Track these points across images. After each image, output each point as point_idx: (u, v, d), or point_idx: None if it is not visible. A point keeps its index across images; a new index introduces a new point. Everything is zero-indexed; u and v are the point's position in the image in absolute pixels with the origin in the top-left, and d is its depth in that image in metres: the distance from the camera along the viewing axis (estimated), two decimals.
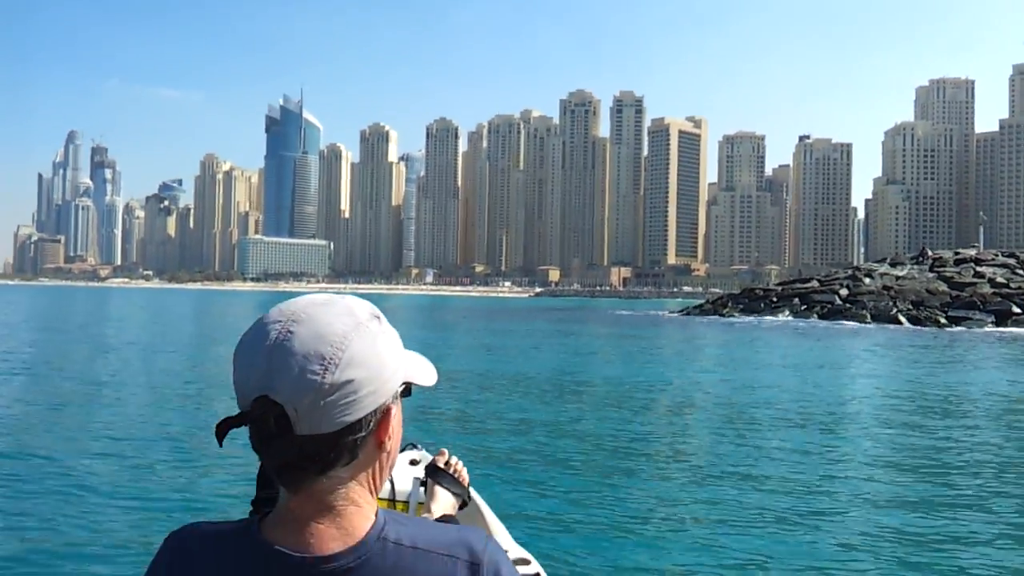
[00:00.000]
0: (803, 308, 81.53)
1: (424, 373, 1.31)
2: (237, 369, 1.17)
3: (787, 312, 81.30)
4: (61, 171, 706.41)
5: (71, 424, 15.36)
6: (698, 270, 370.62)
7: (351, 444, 1.16)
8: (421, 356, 1.33)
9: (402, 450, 3.04)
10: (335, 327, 1.16)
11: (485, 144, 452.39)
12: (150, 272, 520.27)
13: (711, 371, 29.59)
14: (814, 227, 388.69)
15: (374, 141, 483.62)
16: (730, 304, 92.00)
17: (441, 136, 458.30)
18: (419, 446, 3.09)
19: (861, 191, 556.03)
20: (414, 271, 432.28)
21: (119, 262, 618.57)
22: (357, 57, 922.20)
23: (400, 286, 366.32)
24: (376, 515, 1.19)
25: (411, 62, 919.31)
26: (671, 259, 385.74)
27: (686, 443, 14.63)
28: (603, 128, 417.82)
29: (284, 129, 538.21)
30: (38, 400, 18.27)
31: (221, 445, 1.17)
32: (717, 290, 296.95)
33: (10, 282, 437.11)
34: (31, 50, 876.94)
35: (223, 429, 1.15)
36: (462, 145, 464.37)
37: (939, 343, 46.19)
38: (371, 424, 1.18)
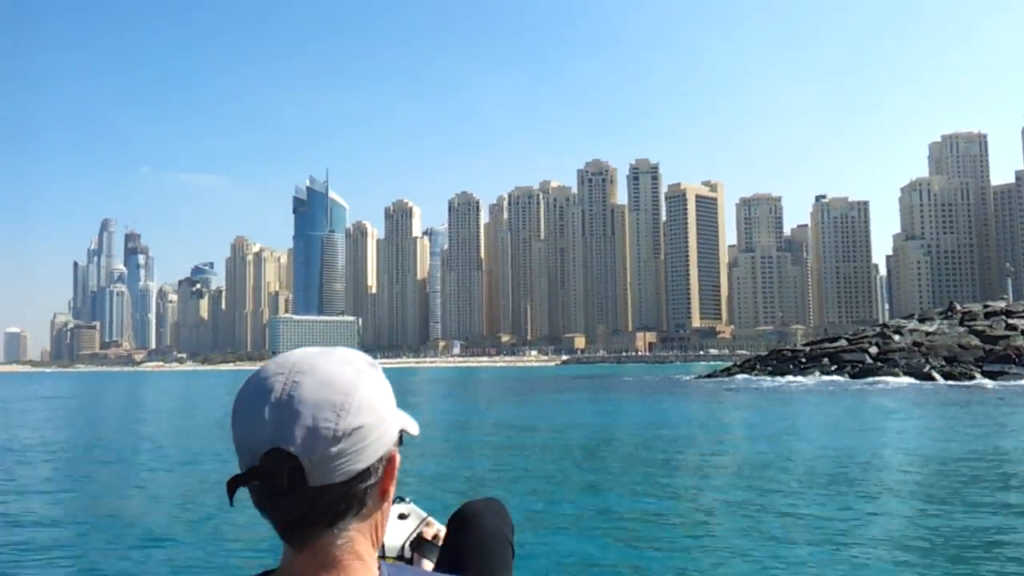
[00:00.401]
0: (833, 368, 79.88)
1: (412, 423, 1.32)
2: (239, 425, 1.17)
3: (817, 372, 79.76)
4: (96, 258, 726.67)
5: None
6: (723, 332, 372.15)
7: (361, 493, 1.18)
8: (402, 412, 1.32)
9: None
10: (341, 374, 1.19)
11: (506, 216, 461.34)
12: (184, 355, 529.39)
13: (744, 439, 28.75)
14: (837, 285, 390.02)
15: (398, 217, 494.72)
16: (758, 366, 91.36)
17: (463, 210, 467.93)
18: (408, 499, 3.04)
19: (881, 248, 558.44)
20: (441, 343, 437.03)
21: (153, 346, 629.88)
22: (379, 136, 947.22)
23: (428, 359, 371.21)
24: (380, 568, 1.21)
25: (432, 139, 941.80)
26: (696, 322, 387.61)
27: (717, 520, 13.97)
28: (621, 195, 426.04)
29: (311, 209, 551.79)
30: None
31: (232, 504, 1.17)
32: (744, 352, 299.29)
33: (47, 369, 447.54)
34: (63, 141, 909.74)
35: (233, 487, 1.15)
36: (484, 217, 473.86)
37: (978, 399, 44.84)
38: (379, 471, 1.20)
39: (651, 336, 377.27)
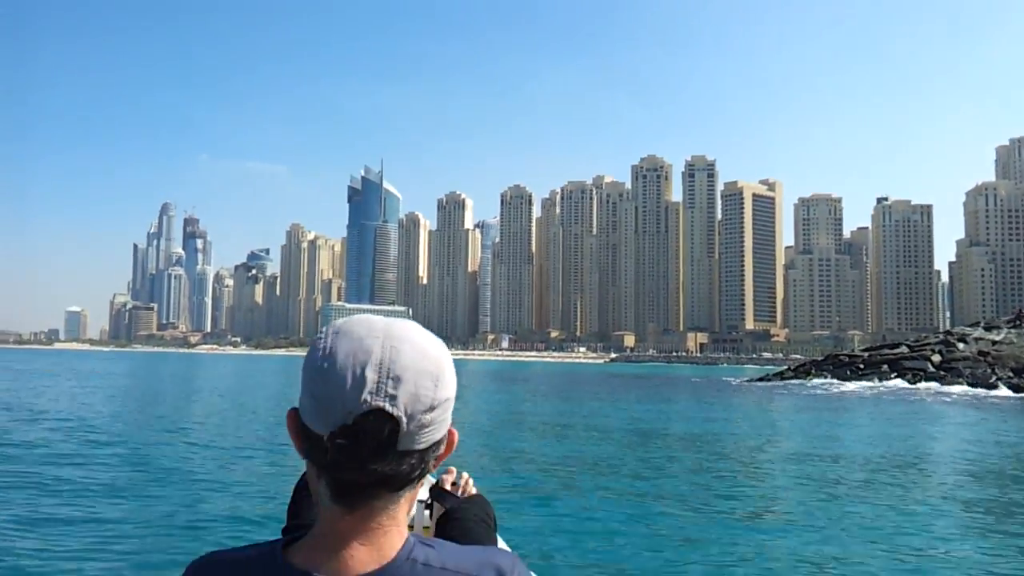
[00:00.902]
0: (893, 375, 77.43)
1: None
2: (331, 383, 1.17)
3: (875, 379, 77.33)
4: (155, 242, 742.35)
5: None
6: (778, 335, 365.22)
7: (429, 462, 1.23)
8: None
9: None
10: (432, 347, 1.24)
11: (558, 210, 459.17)
12: (238, 339, 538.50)
13: (798, 447, 27.48)
14: (896, 291, 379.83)
15: (451, 209, 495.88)
16: (813, 371, 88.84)
17: (515, 203, 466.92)
18: None
19: (944, 253, 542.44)
20: (490, 337, 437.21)
21: (208, 329, 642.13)
22: (434, 128, 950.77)
23: (476, 351, 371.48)
24: (406, 536, 1.23)
25: (486, 132, 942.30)
26: (749, 324, 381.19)
27: (772, 522, 13.94)
28: (675, 192, 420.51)
29: (365, 199, 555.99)
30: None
31: (306, 456, 1.22)
32: (798, 356, 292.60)
33: (104, 348, 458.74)
34: (126, 127, 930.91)
35: (318, 445, 1.18)
36: (536, 211, 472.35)
37: None
38: (443, 443, 1.25)
39: (702, 337, 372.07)
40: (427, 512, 2.37)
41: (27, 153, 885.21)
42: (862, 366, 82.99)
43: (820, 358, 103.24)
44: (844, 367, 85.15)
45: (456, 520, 2.20)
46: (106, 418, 31.46)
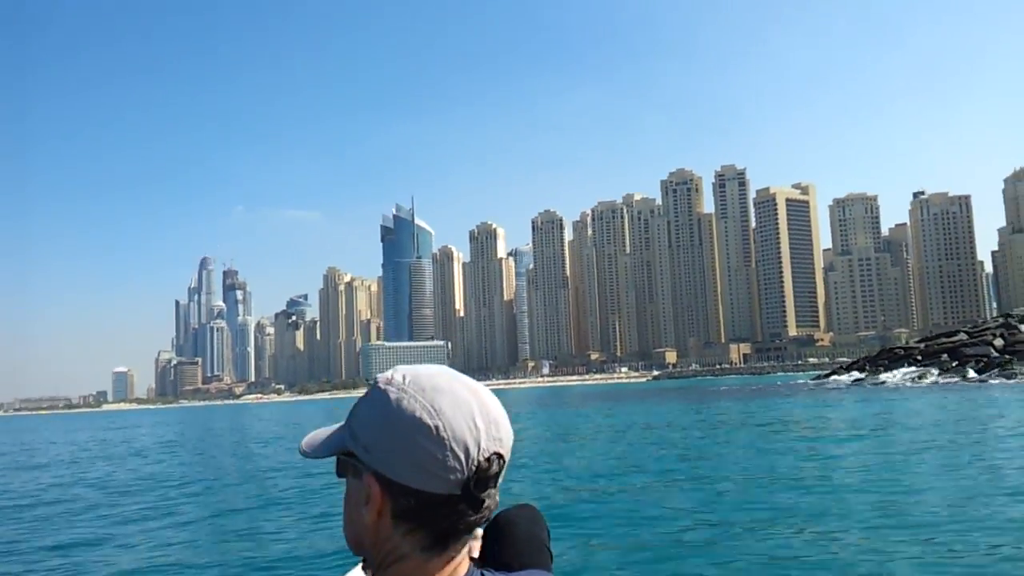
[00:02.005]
0: (954, 364, 73.66)
1: None
2: (455, 439, 1.21)
3: (936, 370, 73.97)
4: (196, 296, 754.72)
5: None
6: (822, 340, 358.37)
7: None
8: None
9: None
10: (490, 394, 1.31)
11: (590, 231, 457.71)
12: (281, 386, 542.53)
13: (866, 444, 26.00)
14: (940, 285, 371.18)
15: (483, 240, 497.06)
16: (868, 367, 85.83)
17: (546, 228, 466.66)
18: None
19: (986, 243, 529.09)
20: (530, 364, 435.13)
21: (253, 378, 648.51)
22: (461, 160, 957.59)
23: (517, 380, 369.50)
24: (469, 566, 1.30)
25: (513, 159, 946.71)
26: (792, 331, 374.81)
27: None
28: (707, 204, 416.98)
29: (398, 237, 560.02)
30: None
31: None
32: (844, 359, 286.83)
33: (151, 406, 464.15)
34: (163, 186, 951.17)
35: (475, 489, 1.22)
36: (568, 235, 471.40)
37: None
38: None
39: (745, 347, 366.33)
40: None
41: (67, 219, 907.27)
42: (920, 357, 79.71)
43: (872, 355, 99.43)
44: (900, 360, 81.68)
45: (506, 537, 2.19)
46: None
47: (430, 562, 1.24)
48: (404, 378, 1.27)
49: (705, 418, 44.46)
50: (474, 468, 1.20)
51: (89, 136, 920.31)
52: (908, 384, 69.84)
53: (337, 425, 1.36)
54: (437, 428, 1.20)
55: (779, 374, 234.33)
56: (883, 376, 77.91)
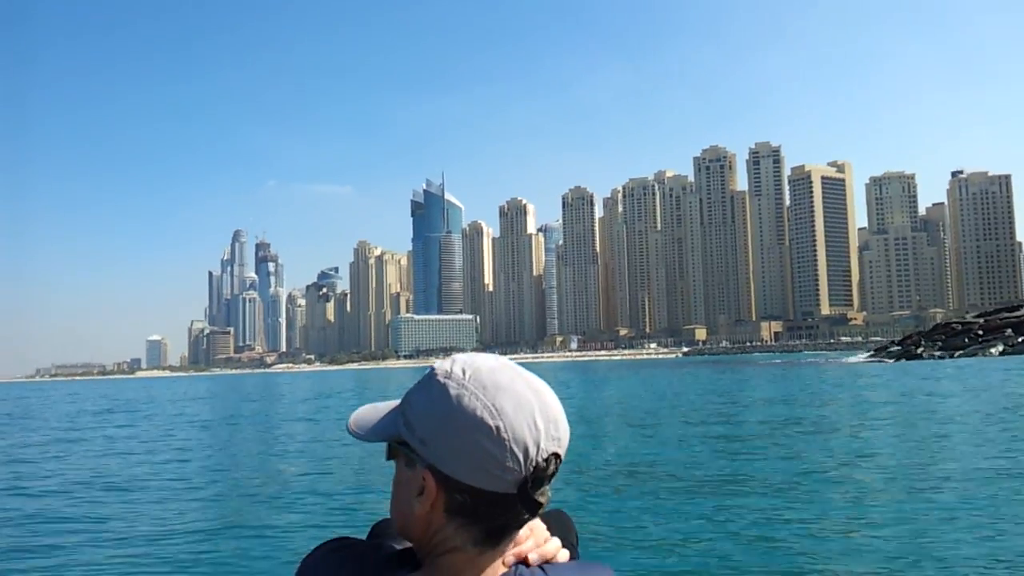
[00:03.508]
0: (1020, 340, 70.51)
1: None
2: (515, 439, 1.19)
3: (1000, 346, 70.55)
4: (229, 268, 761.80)
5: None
6: (855, 319, 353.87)
7: None
8: None
9: None
10: (550, 392, 1.29)
11: (621, 208, 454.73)
12: (312, 356, 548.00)
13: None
14: (978, 265, 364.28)
15: (513, 215, 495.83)
16: (923, 343, 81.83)
17: (577, 204, 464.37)
18: None
19: None
20: (558, 339, 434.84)
21: (284, 348, 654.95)
22: (492, 136, 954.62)
23: (545, 354, 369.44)
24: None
25: (544, 136, 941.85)
26: (824, 309, 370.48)
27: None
28: (740, 182, 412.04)
29: (428, 212, 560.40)
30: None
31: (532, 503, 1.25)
32: (878, 339, 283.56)
33: (184, 374, 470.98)
34: (196, 160, 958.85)
35: (531, 488, 1.21)
36: (598, 211, 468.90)
37: None
38: None
39: (776, 325, 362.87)
40: None
41: (104, 191, 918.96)
42: (980, 333, 76.22)
43: (925, 330, 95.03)
44: (958, 335, 78.12)
45: None
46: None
47: (481, 556, 1.24)
48: (464, 372, 1.24)
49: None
50: (532, 468, 1.19)
51: (127, 111, 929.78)
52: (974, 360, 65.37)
53: (387, 405, 1.33)
54: (498, 429, 1.19)
55: (806, 352, 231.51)
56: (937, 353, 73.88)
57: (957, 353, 71.40)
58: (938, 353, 74.05)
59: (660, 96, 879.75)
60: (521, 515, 1.22)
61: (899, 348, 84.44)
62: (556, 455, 1.20)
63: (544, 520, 1.99)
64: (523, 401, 1.21)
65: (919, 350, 78.12)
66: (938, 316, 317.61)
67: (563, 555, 1.87)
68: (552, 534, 1.95)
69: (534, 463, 1.18)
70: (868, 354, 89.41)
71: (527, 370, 1.29)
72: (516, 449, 1.18)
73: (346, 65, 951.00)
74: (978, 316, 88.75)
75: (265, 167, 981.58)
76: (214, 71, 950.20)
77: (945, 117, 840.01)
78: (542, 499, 1.21)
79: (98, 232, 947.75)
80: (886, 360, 79.74)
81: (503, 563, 1.27)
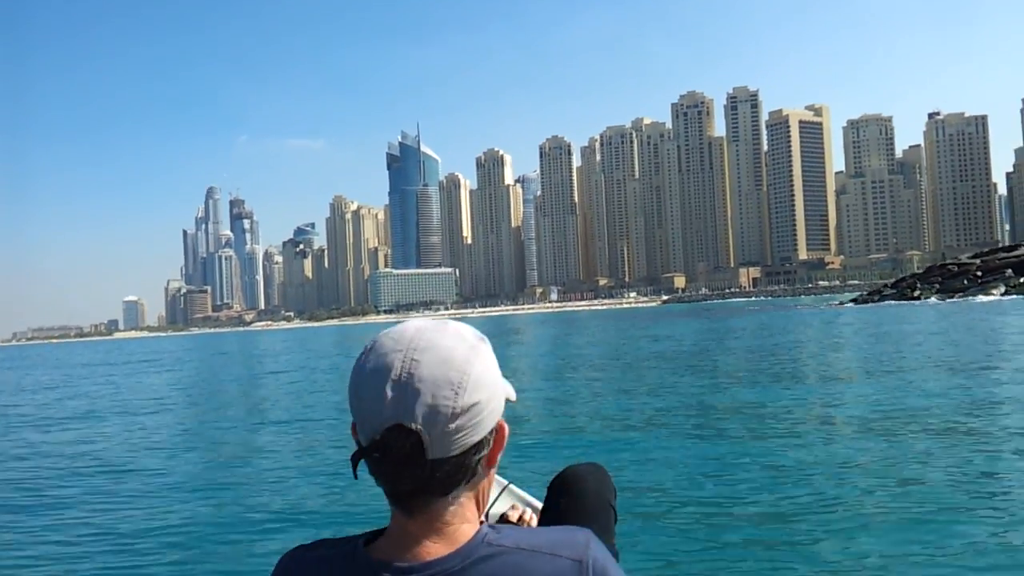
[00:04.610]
0: (1022, 281, 69.19)
1: (511, 390, 1.34)
2: (362, 400, 1.21)
3: (1001, 287, 69.15)
4: (203, 225, 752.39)
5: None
6: (832, 263, 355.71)
7: (474, 464, 1.22)
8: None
9: None
10: (456, 352, 1.22)
11: (599, 157, 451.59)
12: (291, 313, 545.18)
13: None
14: (954, 207, 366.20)
15: (490, 167, 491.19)
16: (919, 286, 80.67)
17: (554, 154, 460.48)
18: (507, 482, 2.87)
19: (1002, 165, 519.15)
20: (538, 290, 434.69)
21: (262, 306, 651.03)
22: (467, 86, 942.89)
23: (525, 306, 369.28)
24: (480, 525, 1.25)
25: (520, 85, 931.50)
26: (802, 254, 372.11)
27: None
28: (718, 127, 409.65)
29: (404, 165, 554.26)
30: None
31: (356, 477, 1.22)
32: (856, 282, 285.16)
33: (163, 334, 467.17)
34: (165, 116, 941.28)
35: (357, 460, 1.21)
36: (576, 161, 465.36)
37: None
38: (490, 442, 1.25)
39: (755, 271, 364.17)
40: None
41: (76, 153, 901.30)
42: (979, 274, 75.13)
43: (919, 271, 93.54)
44: (955, 277, 76.90)
45: (571, 494, 2.17)
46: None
47: (405, 521, 1.25)
48: (378, 335, 1.29)
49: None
50: (377, 434, 1.20)
51: (93, 72, 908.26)
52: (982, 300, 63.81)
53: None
54: (353, 386, 1.24)
55: (787, 298, 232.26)
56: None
57: (957, 295, 70.30)
58: (936, 295, 73.10)
59: (638, 42, 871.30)
60: (409, 484, 1.19)
61: (894, 291, 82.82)
62: (401, 426, 1.17)
63: (583, 473, 2.21)
64: (383, 365, 1.21)
65: (915, 293, 77.17)
66: (915, 259, 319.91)
67: (530, 517, 2.01)
68: (590, 488, 2.16)
69: (377, 430, 1.18)
70: (852, 300, 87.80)
71: (452, 330, 1.26)
72: (363, 409, 1.20)
73: (317, 16, 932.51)
74: (973, 257, 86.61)
75: (237, 122, 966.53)
76: (184, 27, 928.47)
77: (922, 59, 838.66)
78: (414, 475, 1.18)
79: (71, 194, 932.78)
80: (878, 303, 78.53)
81: (479, 522, 1.25)
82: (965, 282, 73.86)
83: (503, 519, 2.25)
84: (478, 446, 1.22)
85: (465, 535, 1.22)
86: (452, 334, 1.25)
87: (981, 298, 66.07)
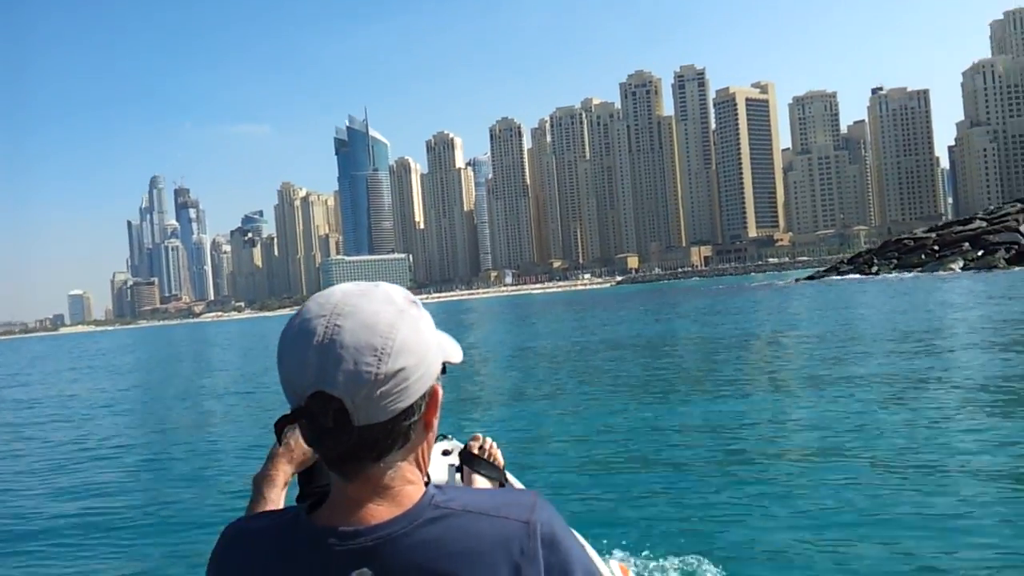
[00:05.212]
0: (979, 253, 68.58)
1: (455, 350, 1.32)
2: (285, 367, 1.18)
3: (959, 261, 68.68)
4: (148, 216, 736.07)
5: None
6: (782, 240, 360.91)
7: (405, 429, 1.19)
8: (447, 335, 1.32)
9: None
10: (381, 317, 1.18)
11: (549, 139, 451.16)
12: (242, 303, 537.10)
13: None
14: (898, 182, 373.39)
15: (440, 150, 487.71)
16: (876, 261, 79.78)
17: (505, 136, 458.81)
18: (451, 436, 3.07)
19: (944, 138, 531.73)
20: (493, 274, 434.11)
21: (212, 297, 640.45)
22: (414, 69, 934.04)
23: (480, 290, 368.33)
24: (426, 487, 1.23)
25: (468, 66, 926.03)
26: (752, 232, 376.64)
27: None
28: (667, 106, 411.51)
29: (352, 149, 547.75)
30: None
31: (280, 443, 1.30)
32: (805, 258, 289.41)
33: (110, 328, 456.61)
34: (108, 103, 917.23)
35: (281, 426, 1.20)
36: (526, 143, 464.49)
37: None
38: (422, 407, 1.21)
39: (706, 250, 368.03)
40: (458, 475, 2.51)
41: (14, 143, 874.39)
42: (936, 248, 74.72)
43: (873, 247, 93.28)
44: (912, 252, 76.43)
45: (473, 462, 2.36)
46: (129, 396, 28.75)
47: (345, 485, 1.23)
48: (307, 302, 1.28)
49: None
50: (301, 400, 1.19)
51: (34, 58, 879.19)
52: (945, 274, 63.60)
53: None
54: (279, 352, 1.22)
55: (735, 276, 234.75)
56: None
57: (916, 270, 70.09)
58: (895, 271, 72.78)
59: (585, 21, 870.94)
60: (339, 449, 1.17)
61: (850, 267, 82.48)
62: (323, 393, 1.14)
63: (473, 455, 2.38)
64: (305, 330, 1.18)
65: (873, 268, 76.79)
66: (862, 234, 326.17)
67: (482, 483, 2.05)
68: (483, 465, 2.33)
69: (301, 396, 1.15)
70: (808, 277, 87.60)
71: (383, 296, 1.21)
72: (286, 376, 1.19)
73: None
74: (929, 231, 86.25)
75: (178, 108, 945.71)
76: (121, 13, 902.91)
77: (865, 34, 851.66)
78: (340, 440, 1.15)
79: (8, 185, 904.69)
80: (835, 279, 78.07)
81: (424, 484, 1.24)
82: (923, 256, 73.80)
83: (466, 450, 2.37)
84: (408, 412, 1.18)
85: (410, 497, 1.20)
86: (379, 298, 1.21)
87: (941, 272, 66.26)
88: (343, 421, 1.13)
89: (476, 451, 2.35)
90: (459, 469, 2.45)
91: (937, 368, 17.11)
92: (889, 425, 11.61)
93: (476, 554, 1.14)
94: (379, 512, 1.18)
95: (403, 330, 1.18)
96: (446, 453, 2.91)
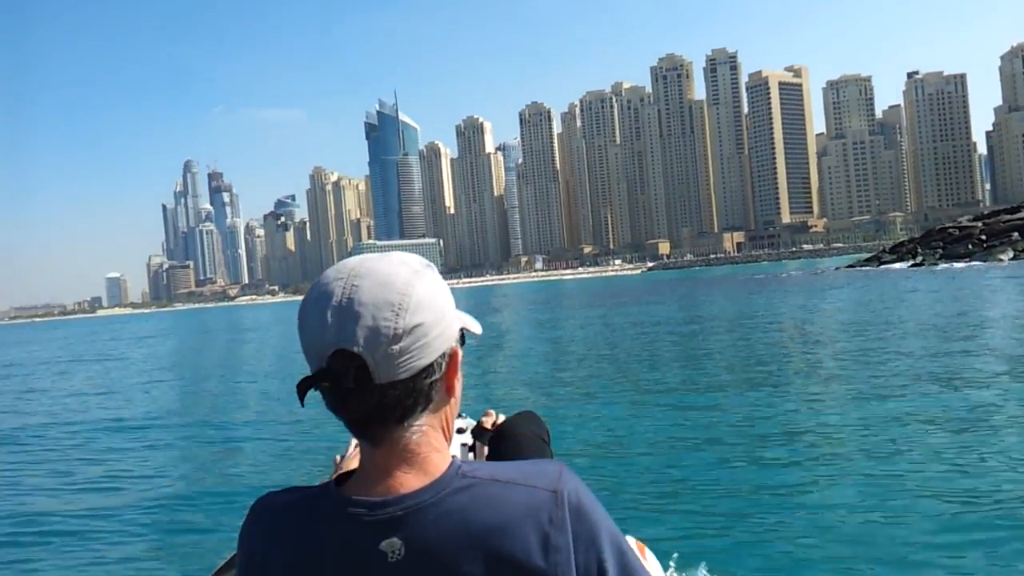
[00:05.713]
0: None
1: (473, 323, 1.36)
2: (306, 330, 1.20)
3: (1009, 252, 66.20)
4: (183, 200, 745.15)
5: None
6: (816, 226, 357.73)
7: (426, 388, 1.21)
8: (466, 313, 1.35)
9: None
10: (397, 276, 1.20)
11: (579, 123, 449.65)
12: (275, 287, 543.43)
13: None
14: (935, 167, 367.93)
15: (470, 135, 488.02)
16: (920, 250, 77.08)
17: (535, 121, 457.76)
18: (464, 414, 3.14)
19: (982, 124, 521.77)
20: (523, 259, 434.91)
21: (246, 280, 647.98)
22: (445, 54, 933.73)
23: (511, 276, 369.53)
24: (452, 457, 1.24)
25: (498, 51, 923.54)
26: (785, 218, 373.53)
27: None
28: (698, 90, 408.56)
29: (383, 134, 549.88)
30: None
31: (303, 405, 1.22)
32: (840, 244, 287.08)
33: (147, 310, 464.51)
34: (143, 89, 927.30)
35: (304, 389, 1.19)
36: (556, 127, 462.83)
37: None
38: (442, 367, 1.23)
39: (739, 236, 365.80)
40: (471, 455, 2.57)
41: (51, 130, 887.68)
42: (983, 238, 71.62)
43: (917, 236, 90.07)
44: (958, 241, 73.46)
45: (508, 438, 2.33)
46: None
47: (373, 452, 1.25)
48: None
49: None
50: (323, 362, 1.21)
51: (70, 44, 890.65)
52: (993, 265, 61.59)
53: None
54: (299, 318, 1.25)
55: (773, 262, 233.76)
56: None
57: (963, 260, 67.64)
58: (942, 262, 69.86)
59: (616, 3, 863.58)
60: (361, 410, 1.19)
61: (892, 256, 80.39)
62: (344, 351, 1.16)
63: (516, 420, 2.40)
64: (324, 293, 1.20)
65: (918, 258, 74.08)
66: (898, 220, 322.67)
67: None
68: (524, 431, 2.34)
69: (323, 357, 1.17)
70: (848, 266, 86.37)
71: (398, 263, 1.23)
72: (307, 339, 1.20)
73: None
74: (975, 220, 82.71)
75: (211, 93, 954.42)
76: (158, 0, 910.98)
77: (901, 18, 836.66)
78: (363, 400, 1.18)
79: (48, 171, 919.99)
80: (873, 268, 76.55)
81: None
82: (970, 247, 71.03)
83: (479, 426, 2.41)
84: (428, 370, 1.20)
85: (437, 466, 1.21)
86: (395, 260, 1.25)
87: (993, 263, 64.11)
88: (364, 379, 1.15)
89: (489, 427, 2.39)
90: (471, 447, 2.54)
91: None
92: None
93: (505, 523, 1.15)
94: (407, 481, 1.19)
95: (419, 287, 1.21)
96: (460, 431, 3.02)
